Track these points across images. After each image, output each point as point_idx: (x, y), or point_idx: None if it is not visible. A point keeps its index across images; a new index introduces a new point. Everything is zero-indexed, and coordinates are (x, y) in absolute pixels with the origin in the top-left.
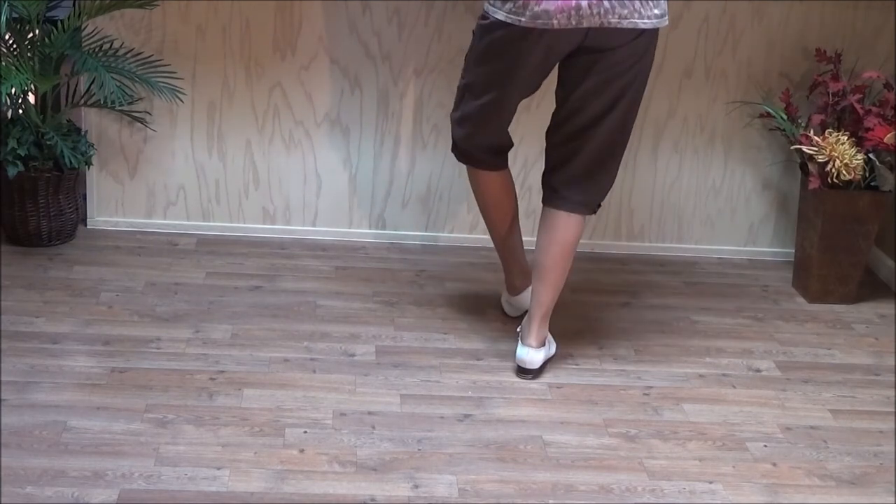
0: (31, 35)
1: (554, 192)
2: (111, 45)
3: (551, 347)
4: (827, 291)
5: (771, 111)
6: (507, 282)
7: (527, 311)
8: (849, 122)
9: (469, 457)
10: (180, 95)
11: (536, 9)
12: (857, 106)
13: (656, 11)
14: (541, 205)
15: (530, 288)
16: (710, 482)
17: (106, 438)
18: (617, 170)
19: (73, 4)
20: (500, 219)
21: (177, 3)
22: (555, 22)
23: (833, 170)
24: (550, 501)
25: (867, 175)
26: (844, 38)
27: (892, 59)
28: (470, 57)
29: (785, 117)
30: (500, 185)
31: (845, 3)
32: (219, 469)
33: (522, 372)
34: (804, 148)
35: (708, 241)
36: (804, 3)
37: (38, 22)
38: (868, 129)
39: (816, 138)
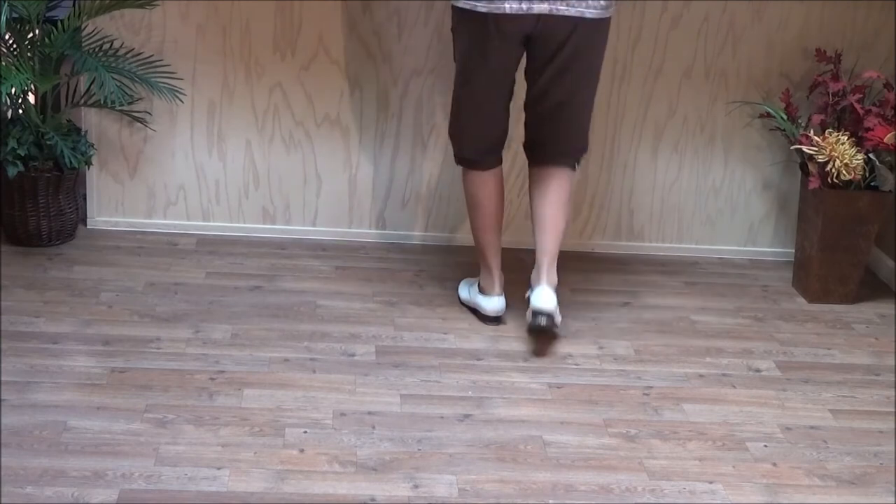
0: (31, 35)
1: (541, 149)
2: (111, 45)
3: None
4: (827, 291)
5: (771, 111)
6: (480, 282)
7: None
8: (849, 122)
9: (469, 457)
10: (180, 95)
11: None
12: (857, 106)
13: (602, 2)
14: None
15: (493, 297)
16: (710, 482)
17: (106, 438)
18: (589, 126)
19: (73, 4)
20: (486, 221)
21: (177, 3)
22: (506, 7)
23: (833, 170)
24: (550, 501)
25: (867, 175)
26: (844, 38)
27: (892, 59)
28: (454, 55)
29: (785, 117)
30: (489, 187)
31: (845, 3)
32: (219, 469)
33: (538, 315)
34: (804, 148)
35: (708, 241)
36: (804, 3)
37: (38, 22)
38: (868, 129)
39: (816, 138)
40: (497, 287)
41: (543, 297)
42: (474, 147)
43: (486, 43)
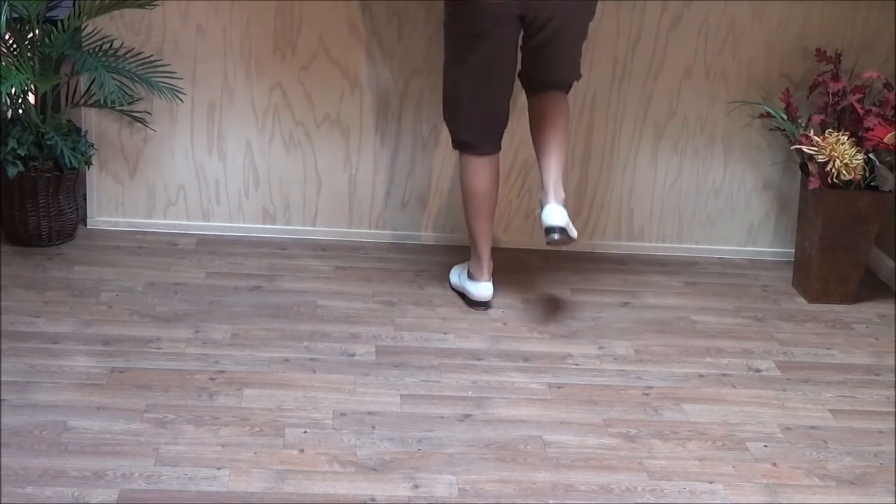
0: (31, 35)
1: (535, 80)
2: (111, 45)
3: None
4: (827, 291)
5: (771, 111)
6: (469, 268)
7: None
8: (849, 122)
9: (469, 457)
10: (180, 95)
11: None
12: (857, 106)
13: None
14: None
15: (482, 283)
16: (710, 482)
17: (106, 438)
18: (580, 55)
19: (73, 4)
20: (479, 209)
21: (177, 3)
22: None
23: (833, 170)
24: (550, 501)
25: (867, 175)
26: (844, 38)
27: (892, 59)
28: (444, 40)
29: (785, 117)
30: (484, 174)
31: (845, 3)
32: (219, 469)
33: (551, 231)
34: (804, 148)
35: (708, 241)
36: (804, 3)
37: (38, 22)
38: (868, 129)
39: (816, 138)
40: (486, 273)
41: (554, 214)
42: (471, 130)
43: (474, 26)
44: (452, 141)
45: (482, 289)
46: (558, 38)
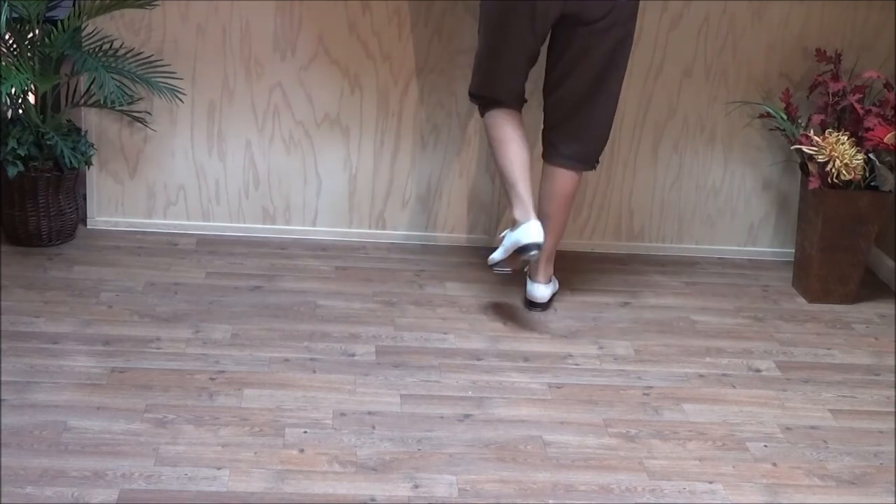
0: (31, 35)
1: (553, 149)
2: (111, 45)
3: (555, 284)
4: (827, 291)
5: (771, 111)
6: (513, 218)
7: (520, 254)
8: (849, 122)
9: (469, 457)
10: (180, 95)
11: None
12: (857, 106)
13: None
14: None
15: (529, 223)
16: (710, 482)
17: (106, 438)
18: (609, 129)
19: (73, 4)
20: (515, 153)
21: (177, 3)
22: None
23: (833, 170)
24: (550, 501)
25: (867, 175)
26: (844, 38)
27: (892, 59)
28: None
29: (785, 117)
30: (514, 122)
31: (845, 3)
32: (219, 469)
33: (532, 305)
34: (804, 148)
35: (708, 241)
36: (804, 3)
37: (38, 22)
38: (868, 129)
39: (816, 138)
40: (532, 213)
41: (539, 291)
42: (500, 91)
43: (512, 25)
44: (482, 104)
45: (531, 227)
46: (590, 60)
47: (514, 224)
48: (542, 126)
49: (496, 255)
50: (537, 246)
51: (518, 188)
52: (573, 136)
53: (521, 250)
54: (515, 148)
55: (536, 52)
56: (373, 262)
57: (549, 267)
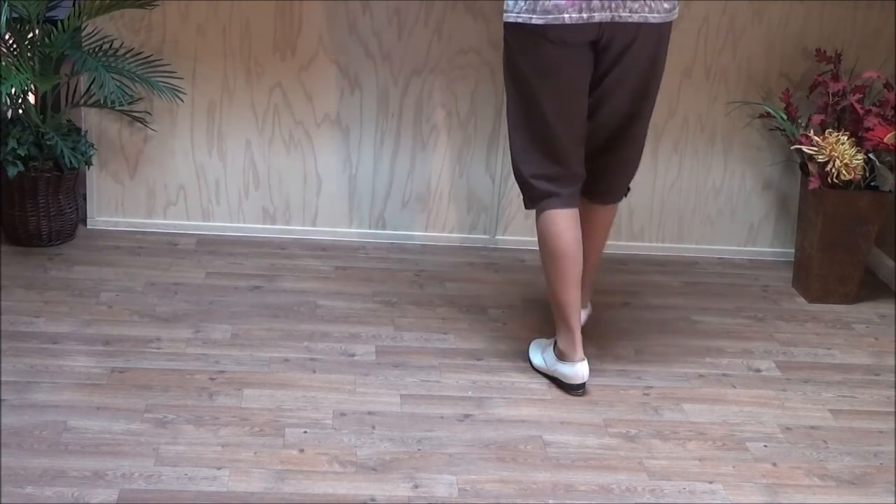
0: (31, 35)
1: (586, 187)
2: (111, 45)
3: (589, 308)
4: (827, 291)
5: (771, 111)
6: (558, 347)
7: (566, 390)
8: (849, 122)
9: (469, 457)
10: (180, 95)
11: (547, 4)
12: (857, 106)
13: (666, 5)
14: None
15: (581, 365)
16: (710, 482)
17: (106, 438)
18: (640, 156)
19: (73, 4)
20: (568, 275)
21: (177, 3)
22: (566, 17)
23: (833, 170)
24: (550, 501)
25: (867, 175)
26: (844, 38)
27: (892, 59)
28: (505, 78)
29: (785, 117)
30: (570, 229)
31: (845, 3)
32: (219, 469)
33: (575, 388)
34: (804, 148)
35: (708, 241)
36: (804, 3)
37: (38, 22)
38: (868, 129)
39: (816, 138)
40: (580, 351)
41: (580, 371)
42: (551, 179)
43: (549, 59)
44: (527, 200)
45: (578, 370)
46: (625, 91)
47: (561, 354)
48: None
49: (535, 364)
50: (584, 385)
51: (569, 318)
52: (609, 170)
53: (569, 387)
54: (572, 265)
55: (587, 98)
56: (373, 262)
57: (587, 299)
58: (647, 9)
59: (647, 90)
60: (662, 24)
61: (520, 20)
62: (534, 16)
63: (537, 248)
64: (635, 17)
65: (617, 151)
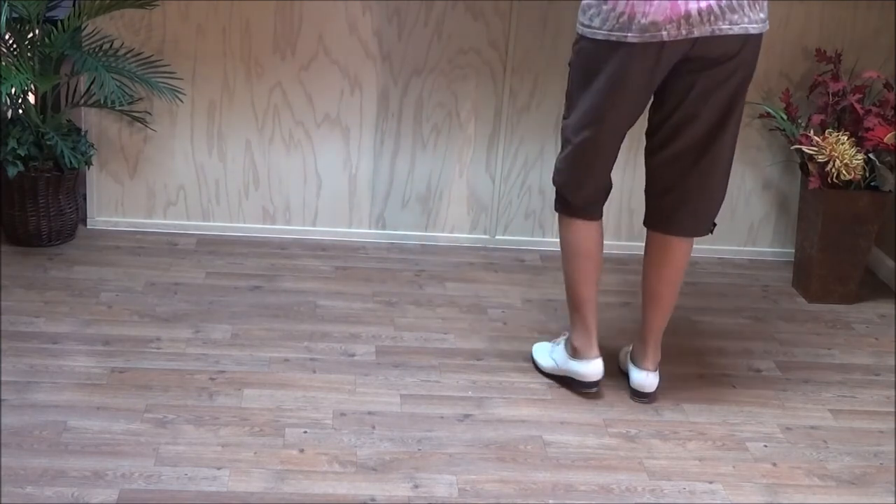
0: (31, 35)
1: (666, 218)
2: (111, 45)
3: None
4: (827, 291)
5: (771, 111)
6: (573, 343)
7: (579, 387)
8: (849, 122)
9: (469, 457)
10: (180, 95)
11: (643, 21)
12: (857, 106)
13: (762, 15)
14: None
15: (595, 362)
16: (710, 482)
17: (106, 438)
18: (727, 183)
19: (73, 4)
20: (589, 272)
21: (177, 3)
22: (664, 34)
23: (833, 170)
24: (550, 501)
25: (867, 175)
26: (844, 38)
27: (892, 59)
28: (570, 90)
29: (785, 117)
30: (595, 237)
31: (845, 3)
32: (219, 469)
33: (640, 396)
34: (804, 148)
35: (708, 241)
36: (804, 3)
37: (38, 22)
38: (868, 129)
39: (816, 138)
40: (596, 348)
41: (649, 381)
42: (587, 195)
43: (629, 78)
44: (561, 206)
45: (594, 367)
46: (710, 106)
47: (574, 351)
48: (644, 190)
49: (543, 367)
50: (598, 384)
51: (585, 314)
52: (693, 198)
53: (583, 385)
54: (592, 267)
55: (639, 114)
56: (373, 262)
57: (658, 351)
58: (746, 19)
59: (734, 107)
60: (760, 35)
61: (612, 38)
62: (629, 34)
63: (537, 248)
64: (735, 30)
65: (702, 177)
